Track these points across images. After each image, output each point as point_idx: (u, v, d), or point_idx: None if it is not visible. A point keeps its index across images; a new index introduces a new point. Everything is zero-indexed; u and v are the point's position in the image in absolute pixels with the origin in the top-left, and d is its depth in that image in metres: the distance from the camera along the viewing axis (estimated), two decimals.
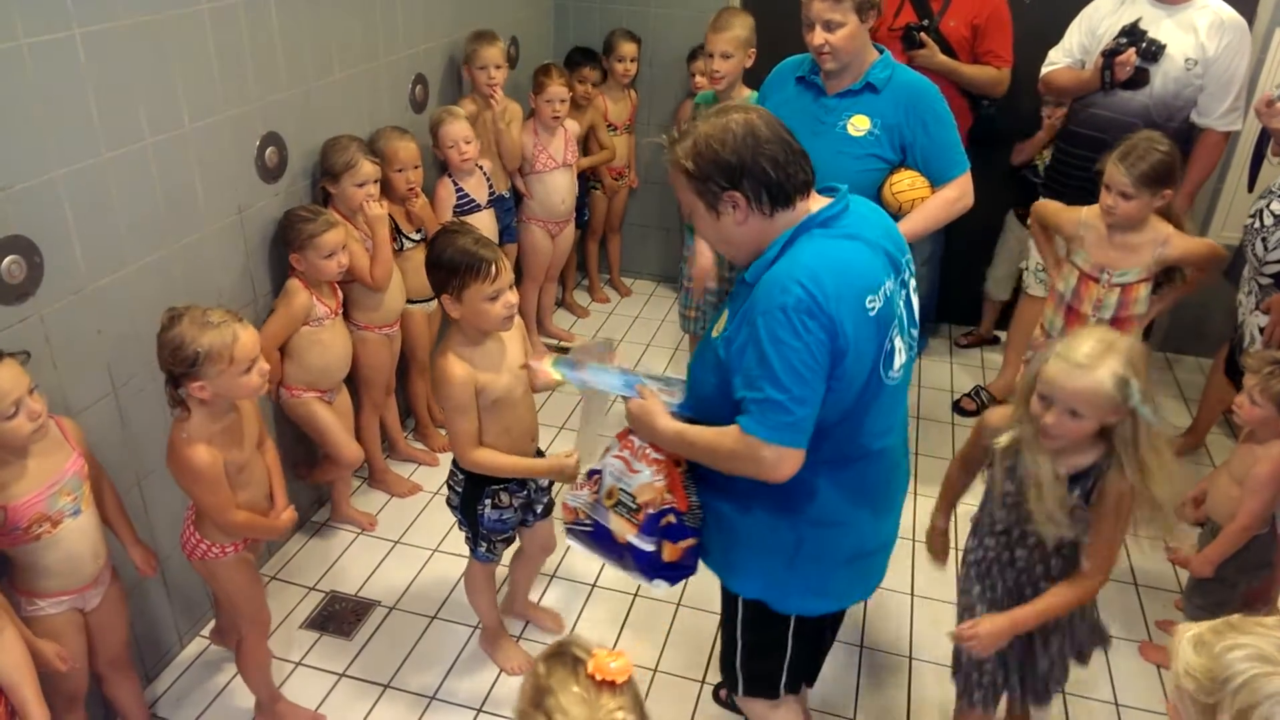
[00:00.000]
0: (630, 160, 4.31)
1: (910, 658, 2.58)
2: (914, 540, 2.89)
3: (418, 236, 3.02)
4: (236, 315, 1.91)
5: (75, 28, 1.92)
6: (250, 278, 2.58)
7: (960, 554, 2.04)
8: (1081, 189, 2.95)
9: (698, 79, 3.80)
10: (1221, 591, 2.35)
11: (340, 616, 2.68)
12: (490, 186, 3.38)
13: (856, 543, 1.75)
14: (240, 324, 1.89)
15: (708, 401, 1.69)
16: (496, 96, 3.32)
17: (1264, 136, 2.92)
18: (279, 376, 2.64)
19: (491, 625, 2.52)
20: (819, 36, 2.35)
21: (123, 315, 2.14)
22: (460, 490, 2.25)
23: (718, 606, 1.94)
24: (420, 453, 3.36)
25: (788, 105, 2.48)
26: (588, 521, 1.82)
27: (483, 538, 2.29)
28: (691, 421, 1.70)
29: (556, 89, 3.57)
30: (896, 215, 2.43)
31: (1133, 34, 2.94)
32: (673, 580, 1.78)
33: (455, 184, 3.25)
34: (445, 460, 3.31)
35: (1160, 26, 2.95)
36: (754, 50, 3.15)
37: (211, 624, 2.56)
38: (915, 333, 1.70)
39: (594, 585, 2.79)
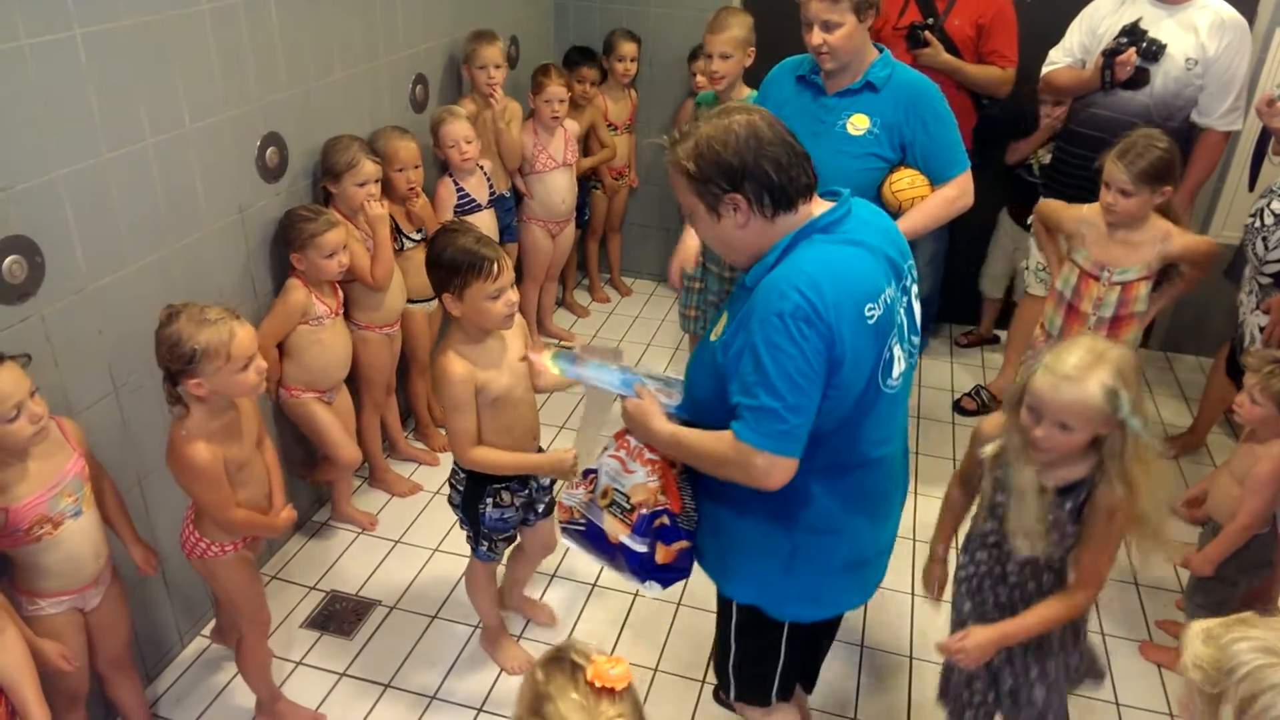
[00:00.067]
0: (630, 160, 4.31)
1: (910, 658, 2.58)
2: (914, 540, 2.90)
3: (418, 236, 3.02)
4: (234, 313, 1.91)
5: (76, 28, 1.92)
6: (251, 277, 2.58)
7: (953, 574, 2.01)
8: (1082, 188, 2.95)
9: (699, 79, 3.80)
10: (1222, 590, 2.35)
11: (341, 616, 2.68)
12: (491, 186, 3.38)
13: (852, 550, 1.74)
14: (238, 321, 1.89)
15: (704, 405, 1.68)
16: (496, 96, 3.32)
17: (1264, 136, 2.92)
18: (278, 375, 2.64)
19: (492, 625, 2.52)
20: (817, 36, 2.36)
21: (123, 315, 2.14)
22: (462, 489, 2.25)
23: None
24: (421, 452, 3.36)
25: (787, 105, 2.48)
26: (582, 521, 1.81)
27: (484, 537, 2.29)
28: (687, 424, 1.69)
29: (555, 89, 3.57)
30: (896, 214, 2.43)
31: (1133, 34, 2.94)
32: (665, 582, 1.76)
33: (456, 184, 3.25)
34: (445, 460, 3.31)
35: (1161, 26, 2.95)
36: (753, 50, 3.15)
37: (212, 623, 2.56)
38: (916, 340, 1.68)
39: (594, 585, 2.79)
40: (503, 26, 3.58)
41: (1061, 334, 2.79)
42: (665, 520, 1.72)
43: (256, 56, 2.46)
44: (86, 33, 1.95)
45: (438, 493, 3.17)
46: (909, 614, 2.71)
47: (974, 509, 1.93)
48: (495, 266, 2.00)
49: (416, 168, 2.94)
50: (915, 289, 1.68)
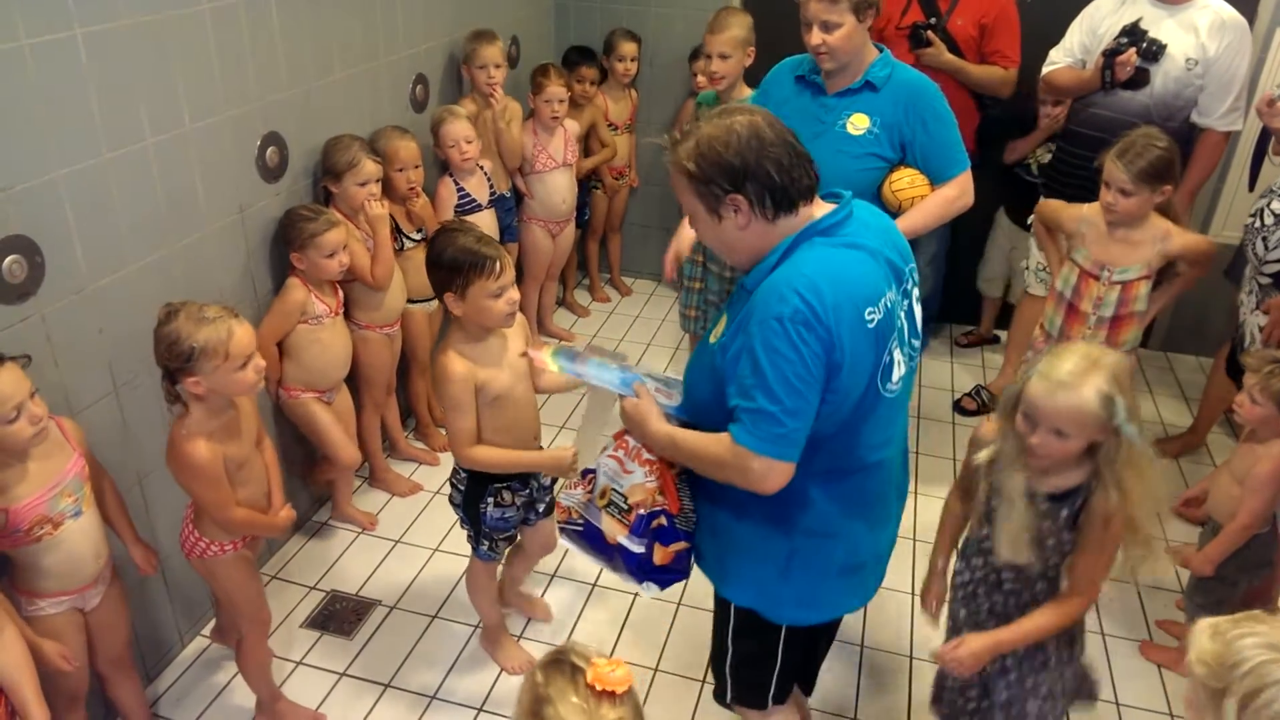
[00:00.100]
0: (631, 160, 4.31)
1: (910, 657, 2.58)
2: (914, 540, 2.89)
3: (418, 236, 3.02)
4: (232, 311, 1.91)
5: (76, 28, 1.92)
6: (251, 277, 2.58)
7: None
8: (1082, 188, 2.95)
9: (699, 79, 3.80)
10: (1222, 590, 2.35)
11: (341, 616, 2.68)
12: (491, 186, 3.38)
13: (850, 555, 1.73)
14: (236, 320, 1.89)
15: (703, 407, 1.67)
16: (497, 95, 3.32)
17: (1265, 136, 2.92)
18: (277, 374, 2.64)
19: (492, 624, 2.52)
20: (816, 37, 2.36)
21: (124, 315, 2.14)
22: (463, 489, 2.25)
23: None
24: (421, 452, 3.36)
25: (787, 104, 2.48)
26: (580, 521, 1.80)
27: (485, 536, 2.29)
28: (686, 425, 1.68)
29: (555, 89, 3.58)
30: (896, 213, 2.43)
31: (1133, 34, 2.94)
32: (663, 584, 1.75)
33: (456, 183, 3.25)
34: (446, 460, 3.31)
35: (1161, 26, 2.94)
36: (753, 50, 3.15)
37: (212, 623, 2.56)
38: (916, 344, 1.67)
39: (594, 585, 2.79)
40: (503, 26, 3.58)
41: (1061, 334, 2.79)
42: (663, 521, 1.71)
43: (257, 56, 2.46)
44: (87, 32, 1.95)
45: (438, 492, 3.17)
46: (909, 614, 2.71)
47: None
48: (497, 265, 2.00)
49: (417, 167, 2.95)
50: (916, 292, 1.67)
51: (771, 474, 1.51)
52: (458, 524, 2.36)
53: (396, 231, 2.93)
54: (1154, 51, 2.92)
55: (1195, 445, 3.46)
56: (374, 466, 3.17)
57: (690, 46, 4.01)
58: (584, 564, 2.81)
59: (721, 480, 1.60)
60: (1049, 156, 3.54)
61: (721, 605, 1.85)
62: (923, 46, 3.31)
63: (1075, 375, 1.58)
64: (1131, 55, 2.92)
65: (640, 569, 1.72)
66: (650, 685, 2.47)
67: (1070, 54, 3.16)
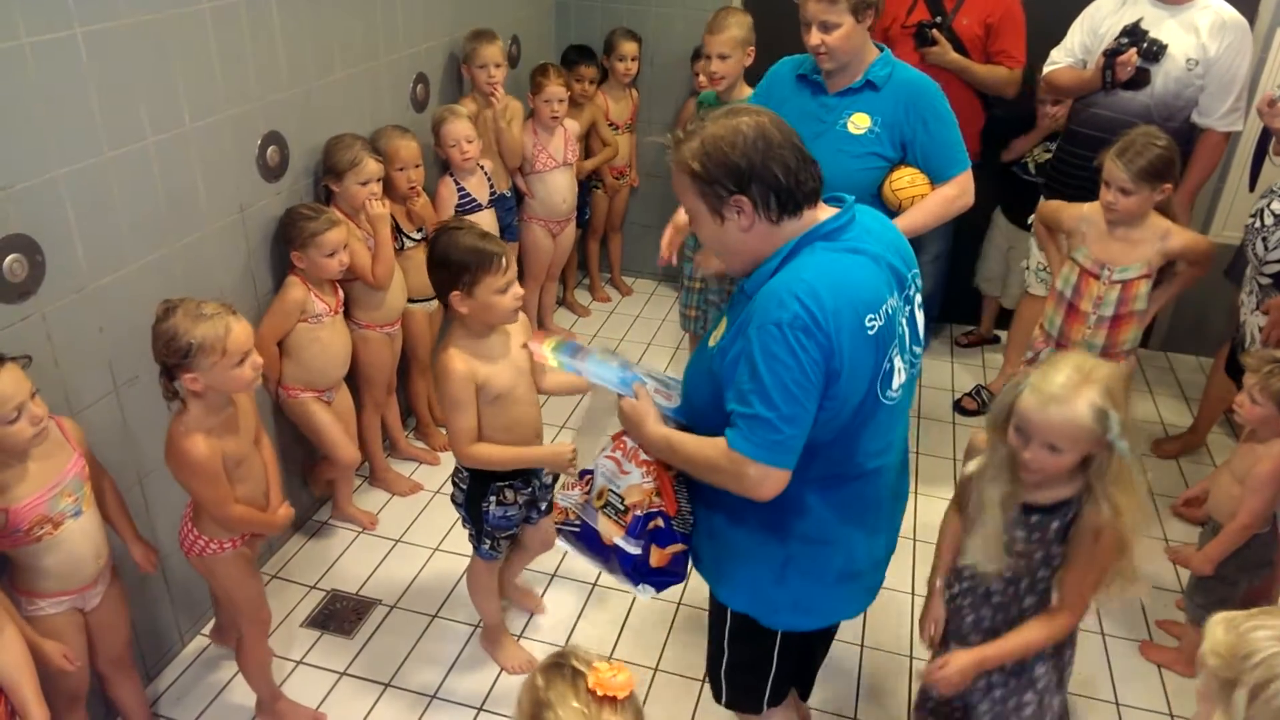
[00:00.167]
0: (631, 159, 4.31)
1: (910, 657, 2.58)
2: (914, 540, 2.89)
3: (419, 235, 3.02)
4: (230, 308, 1.91)
5: (77, 27, 1.92)
6: (251, 276, 2.58)
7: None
8: (1082, 188, 2.95)
9: (701, 78, 3.80)
10: (1223, 590, 2.35)
11: (341, 615, 2.68)
12: (491, 186, 3.38)
13: (847, 562, 1.71)
14: (234, 317, 1.89)
15: (701, 410, 1.66)
16: (497, 95, 3.32)
17: (1265, 136, 2.92)
18: (277, 374, 2.64)
19: (493, 624, 2.52)
20: (815, 37, 2.36)
21: (124, 314, 2.14)
22: (465, 487, 2.25)
23: None
24: (421, 451, 3.36)
25: (788, 103, 2.47)
26: (577, 522, 1.79)
27: (486, 535, 2.29)
28: (684, 428, 1.67)
29: (554, 89, 3.57)
30: (896, 212, 2.44)
31: (1134, 34, 2.94)
32: (660, 586, 1.74)
33: (457, 183, 3.25)
34: (446, 459, 3.31)
35: (1162, 26, 2.94)
36: (753, 49, 3.15)
37: (211, 623, 2.56)
38: (918, 350, 1.65)
39: (594, 585, 2.79)
40: (504, 26, 3.58)
41: (1061, 333, 2.79)
42: (660, 522, 1.69)
43: (257, 56, 2.46)
44: (87, 31, 1.95)
45: (438, 492, 3.17)
46: (909, 614, 2.70)
47: None
48: (503, 261, 2.02)
49: (417, 167, 2.95)
50: (919, 299, 1.65)
51: (767, 480, 1.49)
52: (458, 523, 2.36)
53: (397, 231, 2.93)
54: (1155, 52, 2.92)
55: (1195, 445, 3.46)
56: (374, 466, 3.17)
57: (691, 46, 4.01)
58: (584, 564, 2.82)
59: (717, 485, 1.59)
60: (1046, 156, 3.54)
61: (718, 609, 1.84)
62: (928, 45, 3.31)
63: (1068, 389, 1.54)
64: (1132, 55, 2.92)
65: (636, 571, 1.71)
66: (650, 685, 2.47)
67: (1071, 54, 3.16)
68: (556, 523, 1.85)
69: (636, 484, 1.70)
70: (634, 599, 2.74)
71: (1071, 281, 2.74)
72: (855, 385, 1.50)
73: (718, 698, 1.96)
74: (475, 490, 2.23)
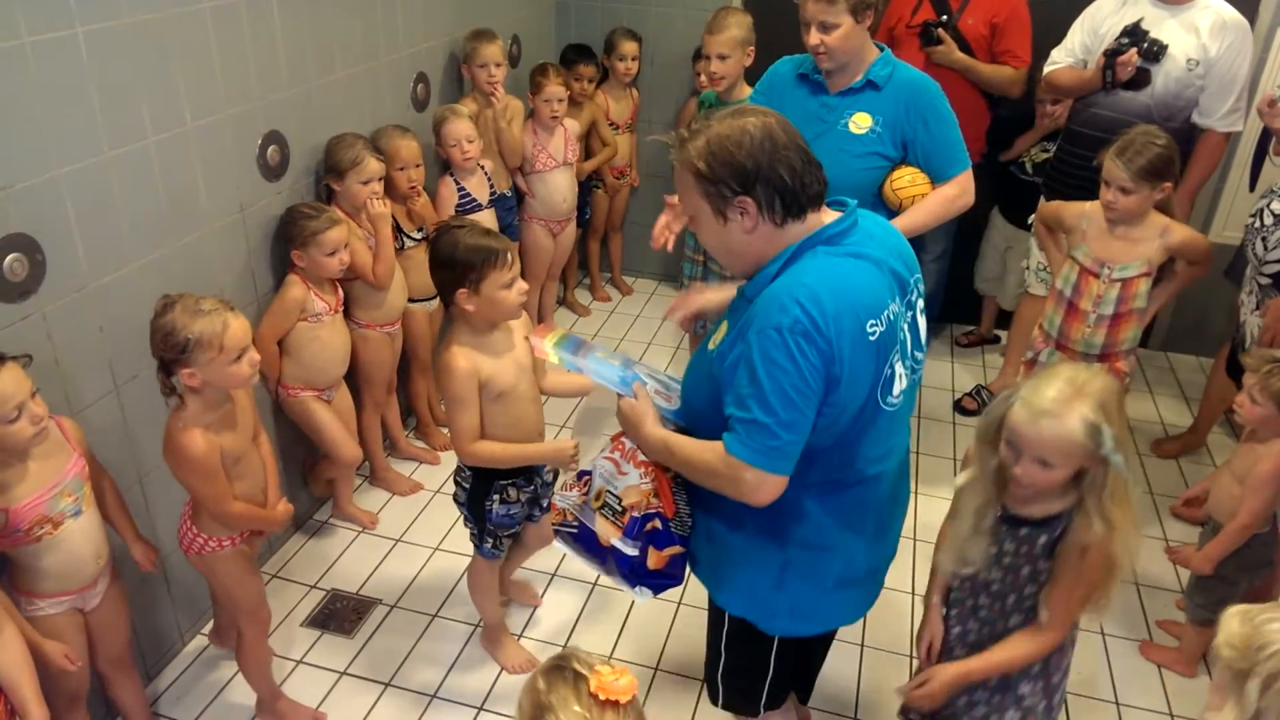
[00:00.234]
0: (632, 159, 4.31)
1: (911, 657, 2.58)
2: (914, 540, 2.89)
3: (419, 235, 3.02)
4: (228, 304, 1.91)
5: (78, 26, 1.92)
6: (252, 276, 2.58)
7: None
8: (1082, 188, 2.95)
9: (702, 78, 3.80)
10: (1223, 589, 2.35)
11: (341, 614, 2.68)
12: (491, 185, 3.38)
13: (846, 568, 1.70)
14: (232, 313, 1.89)
15: (699, 414, 1.65)
16: (498, 94, 3.32)
17: (1265, 136, 2.92)
18: (276, 372, 2.64)
19: (493, 623, 2.52)
20: (814, 37, 2.36)
21: (125, 313, 2.14)
22: (468, 486, 2.25)
23: None
24: (421, 451, 3.36)
25: (788, 103, 2.47)
26: (574, 523, 1.78)
27: (489, 534, 2.29)
28: (683, 431, 1.66)
29: (554, 88, 3.57)
30: (896, 211, 2.44)
31: (1135, 34, 2.94)
32: (657, 589, 1.73)
33: (457, 183, 3.25)
34: (446, 459, 3.32)
35: (1162, 27, 2.94)
36: (753, 49, 3.15)
37: (211, 624, 2.56)
38: (920, 356, 1.64)
39: (595, 585, 2.79)
40: (504, 26, 3.58)
41: (1061, 333, 2.79)
42: (657, 524, 1.68)
43: (258, 55, 2.46)
44: (88, 30, 1.95)
45: (439, 491, 3.17)
46: (909, 614, 2.70)
47: None
48: (508, 255, 2.03)
49: (418, 166, 2.95)
50: (921, 304, 1.63)
51: (764, 486, 1.48)
52: (458, 523, 2.36)
53: (397, 231, 2.93)
54: (1155, 52, 2.92)
55: (1195, 445, 3.47)
56: (374, 465, 3.17)
57: (692, 45, 4.01)
58: (584, 565, 2.83)
59: (714, 489, 1.58)
60: (1044, 156, 3.54)
61: (716, 612, 1.84)
62: (933, 45, 3.31)
63: (1059, 403, 1.50)
64: (1133, 55, 2.92)
65: (633, 573, 1.69)
66: (650, 685, 2.47)
67: (1071, 54, 3.17)
68: (554, 524, 1.84)
69: (634, 485, 1.69)
70: (633, 600, 2.73)
71: (1071, 280, 2.74)
72: (855, 391, 1.49)
73: (714, 700, 1.95)
74: (478, 489, 2.24)
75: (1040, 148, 3.61)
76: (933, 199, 2.44)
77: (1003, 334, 4.15)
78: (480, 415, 2.12)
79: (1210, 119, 2.99)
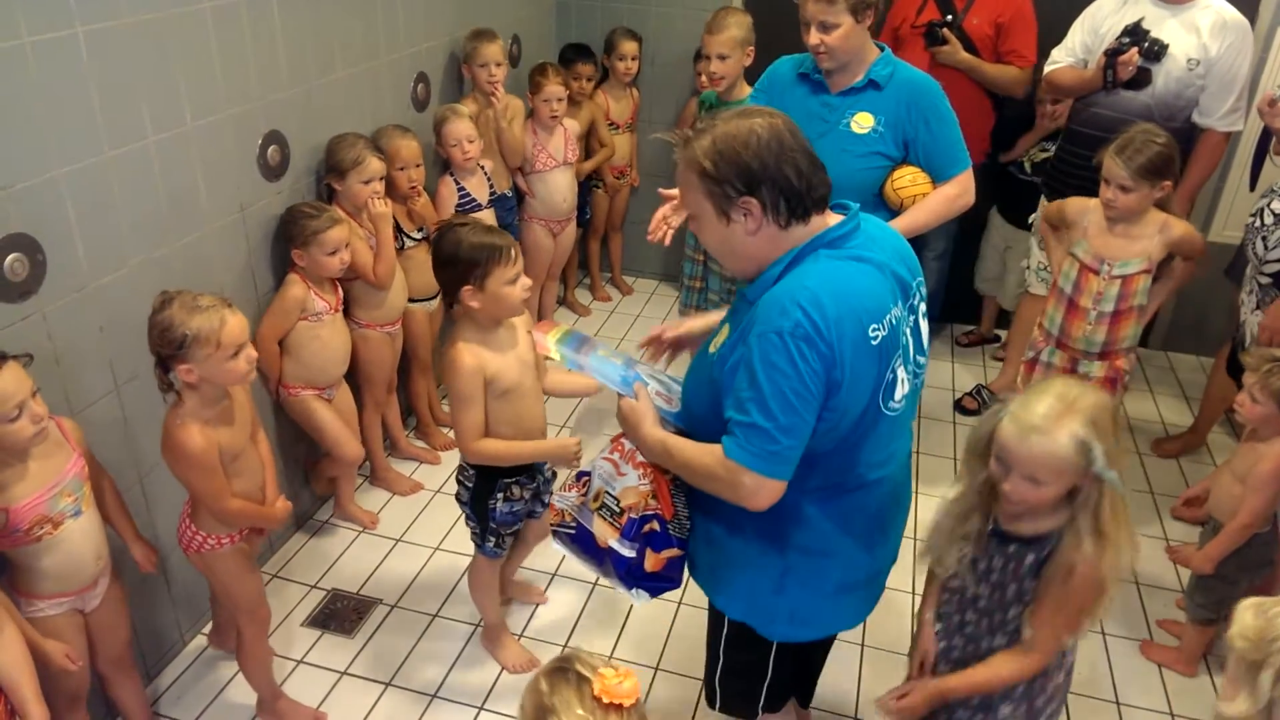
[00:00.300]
0: (632, 159, 4.31)
1: (911, 657, 2.57)
2: (914, 540, 2.89)
3: (419, 235, 3.03)
4: (226, 301, 1.91)
5: (78, 26, 1.92)
6: (252, 275, 2.58)
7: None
8: (1083, 188, 2.94)
9: (702, 78, 3.80)
10: (1223, 589, 2.35)
11: (342, 614, 2.68)
12: (491, 185, 3.38)
13: (846, 573, 1.69)
14: (229, 309, 1.89)
15: (699, 417, 1.64)
16: (498, 94, 3.32)
17: (1265, 136, 2.92)
18: (276, 371, 2.64)
19: (493, 623, 2.52)
20: (814, 37, 2.36)
21: (125, 313, 2.14)
22: (471, 485, 2.25)
23: None
24: (422, 451, 3.36)
25: (789, 102, 2.47)
26: (572, 524, 1.77)
27: (492, 532, 2.29)
28: (683, 433, 1.65)
29: (553, 88, 3.57)
30: (897, 211, 2.44)
31: (1135, 33, 2.94)
32: (654, 591, 1.72)
33: (457, 182, 3.25)
34: (447, 458, 3.32)
35: (1163, 26, 2.94)
36: (752, 49, 3.15)
37: (210, 624, 2.56)
38: (922, 360, 1.62)
39: (595, 584, 2.79)
40: (504, 25, 3.58)
41: (1062, 331, 2.79)
42: (655, 526, 1.67)
43: (258, 55, 2.46)
44: (88, 30, 1.95)
45: (439, 491, 3.17)
46: (909, 614, 2.70)
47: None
48: (512, 251, 2.03)
49: (418, 166, 2.95)
50: (924, 307, 1.63)
51: (762, 491, 1.47)
52: (459, 522, 2.37)
53: (397, 230, 2.93)
54: (1156, 51, 2.92)
55: (1196, 445, 3.47)
56: (375, 465, 3.18)
57: (692, 45, 4.01)
58: (582, 565, 2.83)
59: (712, 493, 1.56)
60: (1043, 155, 3.54)
61: (715, 614, 1.83)
62: (938, 44, 3.31)
63: (1049, 419, 1.47)
64: (1133, 55, 2.92)
65: (630, 575, 1.68)
66: (650, 685, 2.47)
67: (1072, 53, 3.17)
68: (552, 524, 1.83)
69: (633, 486, 1.68)
70: None
71: (1071, 277, 2.74)
72: (857, 396, 1.48)
73: (711, 703, 1.95)
74: (482, 488, 2.24)
75: (1039, 147, 3.61)
76: (933, 198, 2.44)
77: (1003, 333, 4.14)
78: (485, 412, 2.12)
79: (1210, 118, 2.99)
